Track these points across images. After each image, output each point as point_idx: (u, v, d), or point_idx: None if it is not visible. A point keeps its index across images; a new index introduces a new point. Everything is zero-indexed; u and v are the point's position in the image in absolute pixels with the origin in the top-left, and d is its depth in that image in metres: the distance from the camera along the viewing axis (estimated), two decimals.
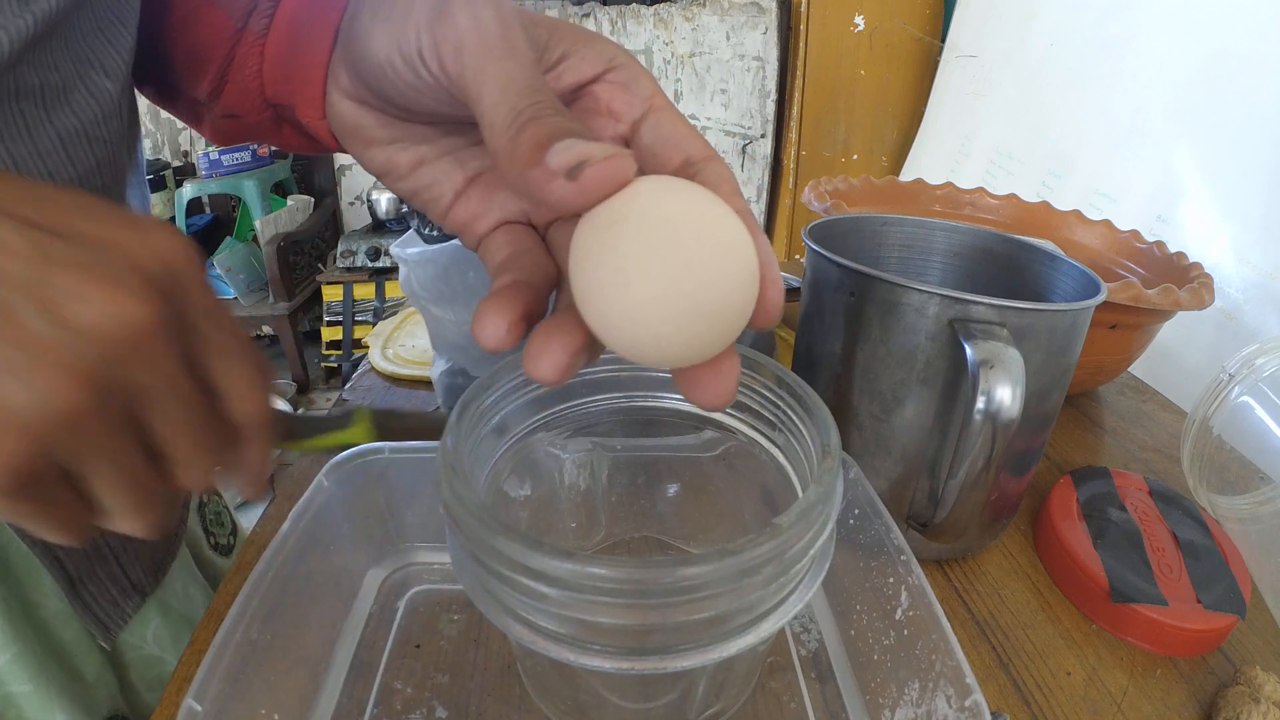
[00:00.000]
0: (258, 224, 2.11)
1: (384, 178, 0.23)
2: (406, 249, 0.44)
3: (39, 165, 0.26)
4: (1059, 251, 0.41)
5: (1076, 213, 0.67)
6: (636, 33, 1.84)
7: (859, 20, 1.49)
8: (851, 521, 0.31)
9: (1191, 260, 0.55)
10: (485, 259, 0.22)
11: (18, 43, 0.23)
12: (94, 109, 0.28)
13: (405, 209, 2.03)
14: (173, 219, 2.10)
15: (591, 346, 0.18)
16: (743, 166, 1.86)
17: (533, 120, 0.17)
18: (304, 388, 2.24)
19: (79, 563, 0.34)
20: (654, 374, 0.31)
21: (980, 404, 0.29)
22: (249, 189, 2.13)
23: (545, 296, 0.19)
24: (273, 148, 2.27)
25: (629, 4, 1.82)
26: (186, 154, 2.37)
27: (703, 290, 0.16)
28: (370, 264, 2.12)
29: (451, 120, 0.22)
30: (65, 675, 0.35)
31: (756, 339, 0.49)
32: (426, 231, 0.46)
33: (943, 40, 1.40)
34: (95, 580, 0.35)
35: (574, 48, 0.20)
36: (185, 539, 0.43)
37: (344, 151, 0.25)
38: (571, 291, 0.18)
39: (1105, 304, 0.37)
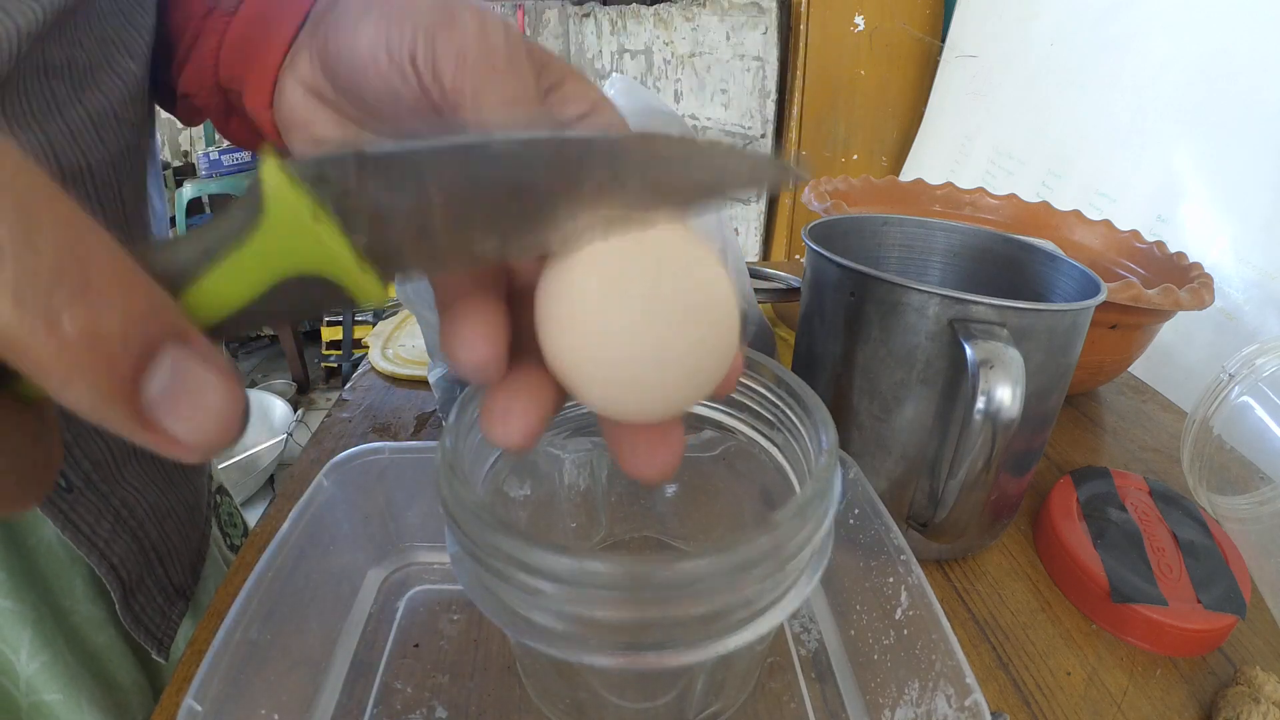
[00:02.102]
0: None
1: None
2: None
3: (72, 145, 0.26)
4: (1059, 251, 0.41)
5: (1076, 213, 0.67)
6: (637, 33, 1.84)
7: (859, 20, 1.49)
8: (851, 521, 0.31)
9: (1191, 260, 0.55)
10: None
11: (27, 31, 0.23)
12: (121, 89, 0.28)
13: None
14: (173, 219, 2.10)
15: (559, 402, 0.17)
16: None
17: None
18: (304, 388, 2.24)
19: (132, 569, 0.34)
20: None
21: (980, 404, 0.29)
22: None
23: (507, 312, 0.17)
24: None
25: (629, 4, 1.82)
26: (186, 154, 2.38)
27: (701, 341, 0.15)
28: None
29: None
30: (96, 682, 0.35)
31: (756, 338, 0.49)
32: None
33: (943, 40, 1.40)
34: (144, 588, 0.35)
35: (564, 81, 0.19)
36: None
37: (285, 150, 0.23)
38: (538, 303, 0.16)
39: (1105, 304, 0.37)
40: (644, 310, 0.15)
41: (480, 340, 0.15)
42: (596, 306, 0.15)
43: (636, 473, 0.18)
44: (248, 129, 0.28)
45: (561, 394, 0.17)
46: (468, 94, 0.17)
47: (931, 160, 1.33)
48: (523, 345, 0.17)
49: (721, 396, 0.18)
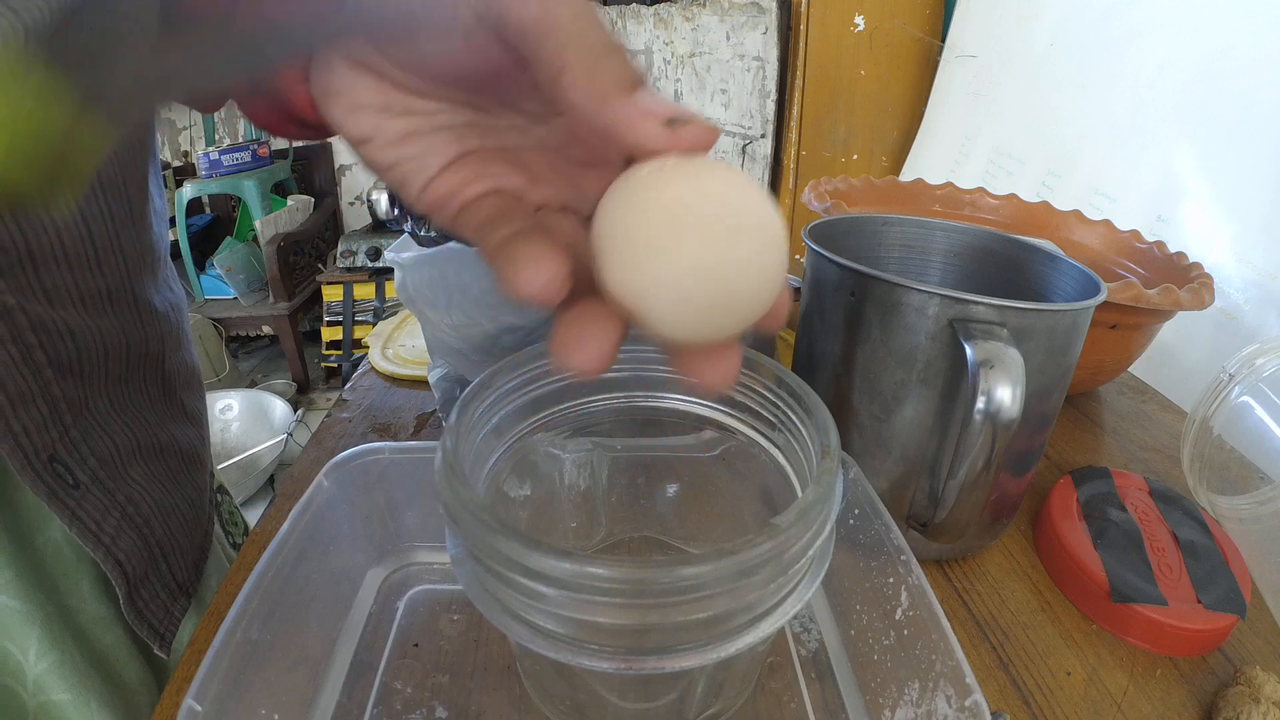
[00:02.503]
0: (258, 224, 2.11)
1: (363, 144, 0.22)
2: (402, 253, 0.44)
3: None
4: (1059, 251, 0.41)
5: (1076, 213, 0.67)
6: (637, 32, 1.84)
7: (859, 20, 1.49)
8: (851, 521, 0.31)
9: (1191, 260, 0.55)
10: (469, 218, 0.20)
11: (35, 31, 0.23)
12: None
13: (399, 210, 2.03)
14: (172, 220, 2.10)
15: (625, 332, 0.18)
16: (743, 166, 1.85)
17: (620, 60, 0.17)
18: (304, 388, 2.24)
19: (137, 565, 0.34)
20: (655, 373, 0.31)
21: (980, 404, 0.29)
22: (249, 189, 2.13)
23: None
24: (274, 148, 2.27)
25: (629, 4, 1.82)
26: (187, 154, 2.37)
27: (748, 265, 0.16)
28: (370, 264, 2.12)
29: (461, 86, 0.21)
30: (104, 682, 0.35)
31: (756, 339, 0.49)
32: (422, 233, 0.45)
33: (943, 40, 1.40)
34: (148, 584, 0.35)
35: None
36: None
37: (311, 125, 0.23)
38: (596, 241, 0.17)
39: (1105, 304, 0.37)
40: (706, 232, 0.16)
41: (545, 260, 0.16)
42: (660, 230, 0.16)
43: (702, 379, 0.19)
44: (273, 108, 0.28)
45: (624, 324, 0.18)
46: (531, 17, 0.17)
47: (931, 160, 1.33)
48: (574, 290, 0.18)
49: (772, 328, 0.19)
